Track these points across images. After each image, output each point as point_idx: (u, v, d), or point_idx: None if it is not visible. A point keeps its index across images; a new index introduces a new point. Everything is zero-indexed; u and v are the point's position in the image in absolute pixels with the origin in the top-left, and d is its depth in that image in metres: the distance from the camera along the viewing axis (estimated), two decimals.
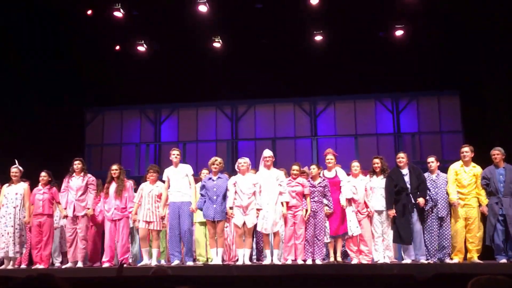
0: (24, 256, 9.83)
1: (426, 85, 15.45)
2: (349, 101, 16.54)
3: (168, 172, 9.30)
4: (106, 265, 9.25)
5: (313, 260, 8.91)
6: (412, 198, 8.88)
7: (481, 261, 8.73)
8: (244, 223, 8.78)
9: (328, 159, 9.28)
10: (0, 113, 12.92)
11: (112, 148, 17.13)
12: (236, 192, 8.86)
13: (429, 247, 8.93)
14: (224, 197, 8.94)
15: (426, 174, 9.15)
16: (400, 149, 15.32)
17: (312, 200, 9.02)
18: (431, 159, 9.24)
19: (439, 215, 8.96)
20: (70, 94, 15.22)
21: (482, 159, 9.31)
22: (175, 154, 9.33)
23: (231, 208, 8.84)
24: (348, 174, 9.37)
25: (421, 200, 8.79)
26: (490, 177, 8.76)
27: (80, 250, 9.47)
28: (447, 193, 8.94)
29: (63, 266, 9.56)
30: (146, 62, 15.46)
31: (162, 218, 9.26)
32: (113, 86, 15.95)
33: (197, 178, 9.82)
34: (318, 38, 14.84)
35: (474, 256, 8.78)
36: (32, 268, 9.40)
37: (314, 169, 9.21)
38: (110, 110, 17.27)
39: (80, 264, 9.39)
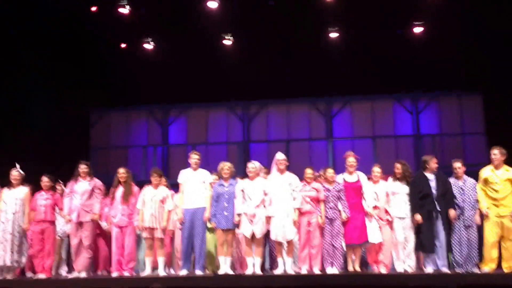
0: (26, 265, 9.69)
1: (447, 85, 15.30)
2: (366, 101, 16.52)
3: (185, 175, 9.13)
4: (115, 274, 9.10)
5: (323, 270, 8.72)
6: (437, 205, 8.65)
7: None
8: (253, 233, 8.61)
9: (350, 162, 9.07)
10: (1, 114, 12.84)
11: (118, 151, 17.08)
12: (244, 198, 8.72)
13: (455, 256, 8.69)
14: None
15: (452, 180, 8.88)
16: (420, 152, 15.16)
17: (327, 206, 8.83)
18: (457, 164, 8.93)
19: (466, 224, 8.70)
20: (73, 95, 15.10)
21: (506, 162, 9.03)
22: (195, 158, 9.15)
23: (238, 215, 8.68)
24: (369, 179, 9.17)
25: (452, 213, 8.56)
26: None
27: (85, 259, 9.27)
28: (476, 200, 8.69)
29: (69, 277, 9.39)
30: (153, 61, 15.35)
31: (164, 229, 9.12)
32: (119, 86, 15.90)
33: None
34: (334, 35, 14.68)
35: (508, 267, 8.52)
36: (34, 278, 9.23)
37: (330, 172, 9.01)
38: (116, 111, 17.27)
39: (84, 274, 9.21)
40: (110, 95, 16.22)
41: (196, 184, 9.01)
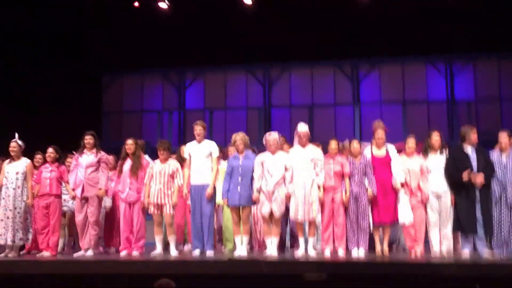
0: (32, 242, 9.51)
1: (485, 46, 15.00)
2: (396, 63, 16.43)
3: (189, 149, 8.85)
4: (123, 253, 8.91)
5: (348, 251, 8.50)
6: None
7: None
8: (271, 212, 8.37)
9: (378, 135, 8.64)
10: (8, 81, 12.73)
11: (132, 116, 17.28)
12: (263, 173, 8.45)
13: (496, 238, 8.23)
14: (251, 179, 8.51)
15: (495, 154, 8.35)
16: (454, 119, 14.89)
17: (352, 181, 8.53)
18: (503, 134, 8.37)
19: (509, 203, 8.22)
20: (85, 57, 14.95)
21: None
22: (197, 129, 8.83)
23: (258, 191, 8.41)
24: (399, 151, 8.69)
25: (479, 178, 8.08)
26: None
27: (92, 236, 9.06)
28: None
29: (74, 255, 9.16)
30: (168, 21, 15.31)
31: (174, 206, 8.86)
32: (133, 48, 15.79)
33: (224, 150, 9.44)
34: None
35: None
36: (37, 255, 9.08)
37: (356, 144, 8.60)
38: (129, 74, 17.35)
39: (90, 252, 8.99)
40: (122, 57, 16.14)
41: (202, 158, 8.72)
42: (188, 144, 8.97)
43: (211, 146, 8.82)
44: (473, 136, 8.42)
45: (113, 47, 15.63)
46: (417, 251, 8.44)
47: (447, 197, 8.43)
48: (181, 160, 9.47)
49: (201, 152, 8.75)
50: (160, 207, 8.82)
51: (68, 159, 9.90)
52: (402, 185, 8.46)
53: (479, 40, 14.70)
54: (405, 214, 8.43)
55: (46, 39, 14.05)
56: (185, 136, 16.31)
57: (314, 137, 9.12)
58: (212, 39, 15.52)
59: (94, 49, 15.46)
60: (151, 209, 8.88)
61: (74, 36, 14.65)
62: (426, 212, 8.50)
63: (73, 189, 9.09)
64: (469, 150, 8.38)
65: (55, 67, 14.19)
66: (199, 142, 8.83)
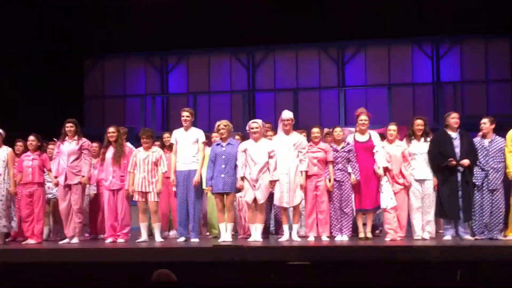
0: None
1: (472, 27, 14.99)
2: (382, 46, 16.37)
3: (176, 135, 8.90)
4: (109, 240, 8.95)
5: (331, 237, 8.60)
6: (460, 167, 8.29)
7: None
8: (256, 199, 8.44)
9: (361, 120, 8.69)
10: None
11: (115, 101, 17.20)
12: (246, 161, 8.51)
13: (476, 222, 8.37)
14: (235, 166, 8.58)
15: (477, 139, 8.48)
16: (440, 101, 14.99)
17: (336, 168, 8.58)
18: (484, 120, 8.47)
19: (490, 187, 8.33)
20: (65, 40, 14.74)
21: None
22: (185, 115, 8.86)
23: (242, 179, 8.47)
24: (382, 138, 8.77)
25: (465, 161, 8.22)
26: None
27: (76, 224, 9.09)
28: (501, 162, 8.28)
29: (59, 242, 9.20)
30: (150, 2, 15.23)
31: (158, 193, 8.93)
32: (114, 30, 15.60)
33: (209, 135, 9.46)
34: None
35: None
36: (22, 243, 9.10)
37: (338, 131, 8.69)
38: (111, 58, 17.15)
39: (76, 240, 9.03)
40: (104, 40, 15.98)
41: (188, 145, 8.77)
42: (175, 131, 9.02)
43: (198, 133, 8.87)
44: (451, 120, 8.53)
45: (94, 30, 15.44)
46: (397, 236, 8.50)
47: (430, 183, 8.53)
48: (164, 147, 9.54)
49: (188, 139, 8.81)
50: (145, 195, 8.88)
51: (50, 147, 9.88)
52: (385, 171, 8.54)
53: (466, 22, 14.67)
54: (387, 199, 8.51)
55: (25, 23, 13.86)
56: (169, 121, 16.32)
57: (298, 121, 9.18)
58: (195, 22, 15.38)
59: (74, 32, 15.31)
60: (136, 197, 8.93)
61: (53, 19, 14.47)
62: (408, 197, 8.62)
63: (56, 177, 9.11)
64: (454, 135, 8.48)
65: (35, 51, 14.03)
66: (186, 129, 8.88)
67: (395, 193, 8.56)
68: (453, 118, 8.55)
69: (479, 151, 8.39)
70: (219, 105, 15.89)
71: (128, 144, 9.56)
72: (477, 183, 8.37)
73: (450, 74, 15.87)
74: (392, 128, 8.70)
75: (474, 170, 8.36)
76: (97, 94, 16.99)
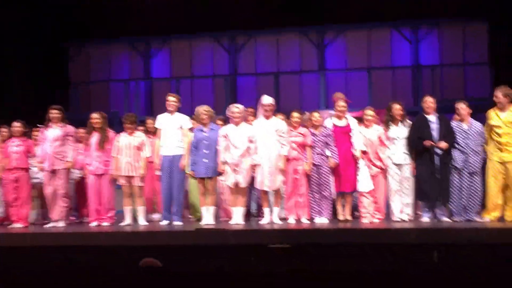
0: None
1: (450, 12, 15.08)
2: (362, 30, 16.37)
3: (161, 120, 9.05)
4: (94, 224, 9.11)
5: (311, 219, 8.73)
6: (438, 150, 8.46)
7: None
8: (237, 183, 8.57)
9: (339, 107, 8.87)
10: None
11: (99, 86, 17.14)
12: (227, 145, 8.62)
13: (454, 204, 8.57)
14: (216, 151, 8.70)
15: (455, 123, 8.59)
16: (419, 84, 15.06)
17: (314, 152, 8.74)
18: (461, 105, 8.57)
19: (469, 170, 8.51)
20: (49, 27, 14.76)
21: None
22: (170, 100, 9.01)
23: (223, 163, 8.61)
24: (360, 121, 8.96)
25: (442, 144, 8.41)
26: None
27: (62, 208, 9.25)
28: (480, 145, 8.47)
29: (45, 226, 9.38)
30: None
31: (142, 177, 9.09)
32: (98, 17, 15.60)
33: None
34: None
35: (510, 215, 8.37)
36: (9, 227, 9.24)
37: (316, 116, 8.83)
38: (95, 44, 17.06)
39: (62, 224, 9.21)
40: (88, 27, 16.00)
41: (174, 130, 8.91)
42: (159, 116, 9.12)
43: (182, 119, 9.01)
44: (423, 104, 8.68)
45: (77, 16, 15.41)
46: (374, 219, 8.65)
47: (408, 168, 8.67)
48: (148, 132, 9.72)
49: (173, 124, 8.93)
50: (129, 179, 9.02)
51: (35, 133, 9.97)
52: (362, 154, 8.74)
53: (444, 5, 14.75)
54: (364, 182, 8.66)
55: (9, 9, 13.85)
56: (152, 106, 16.38)
57: (280, 105, 9.28)
58: (177, 7, 15.38)
59: (58, 18, 15.30)
60: (120, 181, 9.10)
61: (37, 4, 14.44)
62: (386, 180, 8.76)
63: (41, 162, 9.24)
64: (432, 118, 8.59)
65: (19, 37, 14.04)
66: (172, 114, 9.02)
67: (372, 176, 8.68)
68: (425, 102, 8.66)
69: (458, 134, 8.45)
70: (202, 89, 15.92)
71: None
72: (457, 166, 8.45)
73: (429, 58, 15.91)
74: (369, 113, 8.83)
75: (455, 153, 8.45)
76: (82, 80, 16.95)
